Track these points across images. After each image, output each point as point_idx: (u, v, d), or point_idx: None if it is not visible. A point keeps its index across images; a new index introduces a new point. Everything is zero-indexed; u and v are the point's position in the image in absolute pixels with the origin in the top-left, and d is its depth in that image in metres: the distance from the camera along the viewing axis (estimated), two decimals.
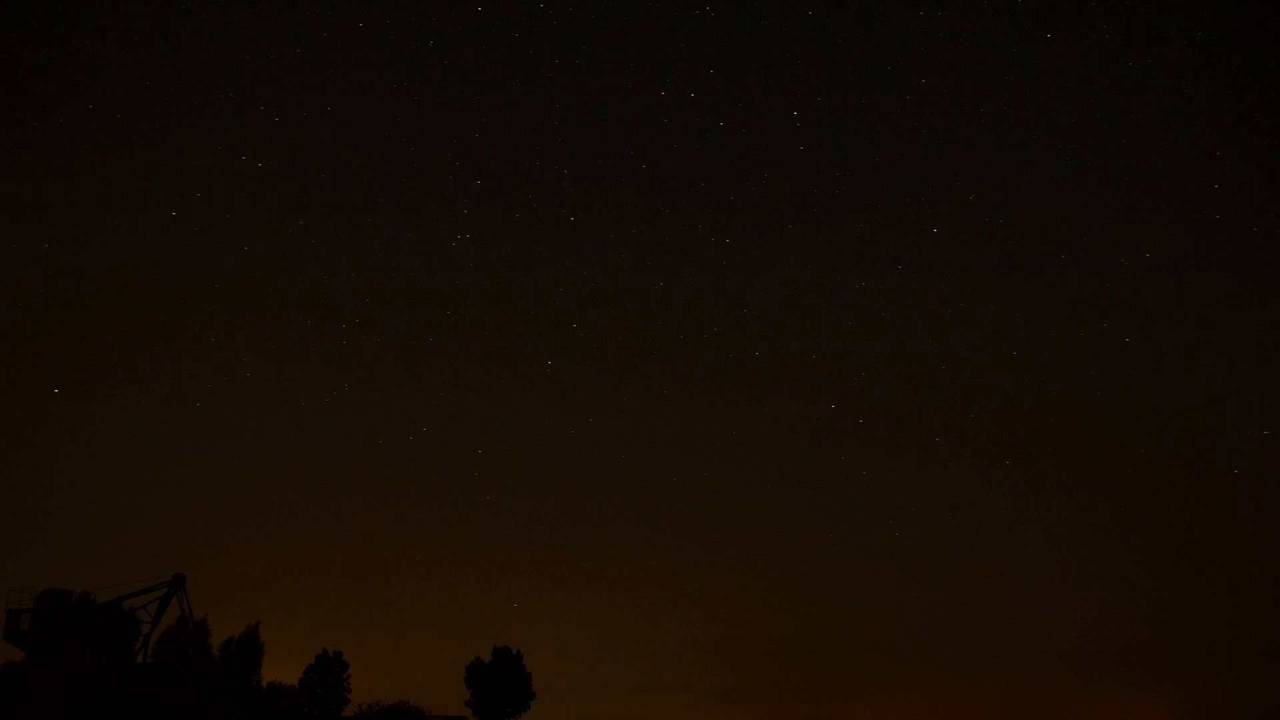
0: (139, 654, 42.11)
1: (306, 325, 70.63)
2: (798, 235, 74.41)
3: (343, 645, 51.24)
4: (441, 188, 72.22)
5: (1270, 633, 63.98)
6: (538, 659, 53.93)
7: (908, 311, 73.00)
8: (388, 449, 71.23)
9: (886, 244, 73.39)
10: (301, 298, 71.20)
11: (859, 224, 73.53)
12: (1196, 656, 65.71)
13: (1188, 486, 69.93)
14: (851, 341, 73.03)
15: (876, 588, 71.05)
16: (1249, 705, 61.35)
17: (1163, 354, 70.89)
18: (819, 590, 71.78)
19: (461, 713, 51.71)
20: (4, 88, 65.98)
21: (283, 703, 48.34)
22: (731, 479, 74.55)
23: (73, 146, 67.57)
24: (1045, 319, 72.56)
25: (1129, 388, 71.10)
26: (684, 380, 74.61)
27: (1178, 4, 67.98)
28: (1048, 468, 71.71)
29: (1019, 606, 69.69)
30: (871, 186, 73.59)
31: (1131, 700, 63.62)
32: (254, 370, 69.54)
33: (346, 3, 69.57)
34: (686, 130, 73.14)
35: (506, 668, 52.85)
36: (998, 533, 70.86)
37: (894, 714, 67.51)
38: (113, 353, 69.05)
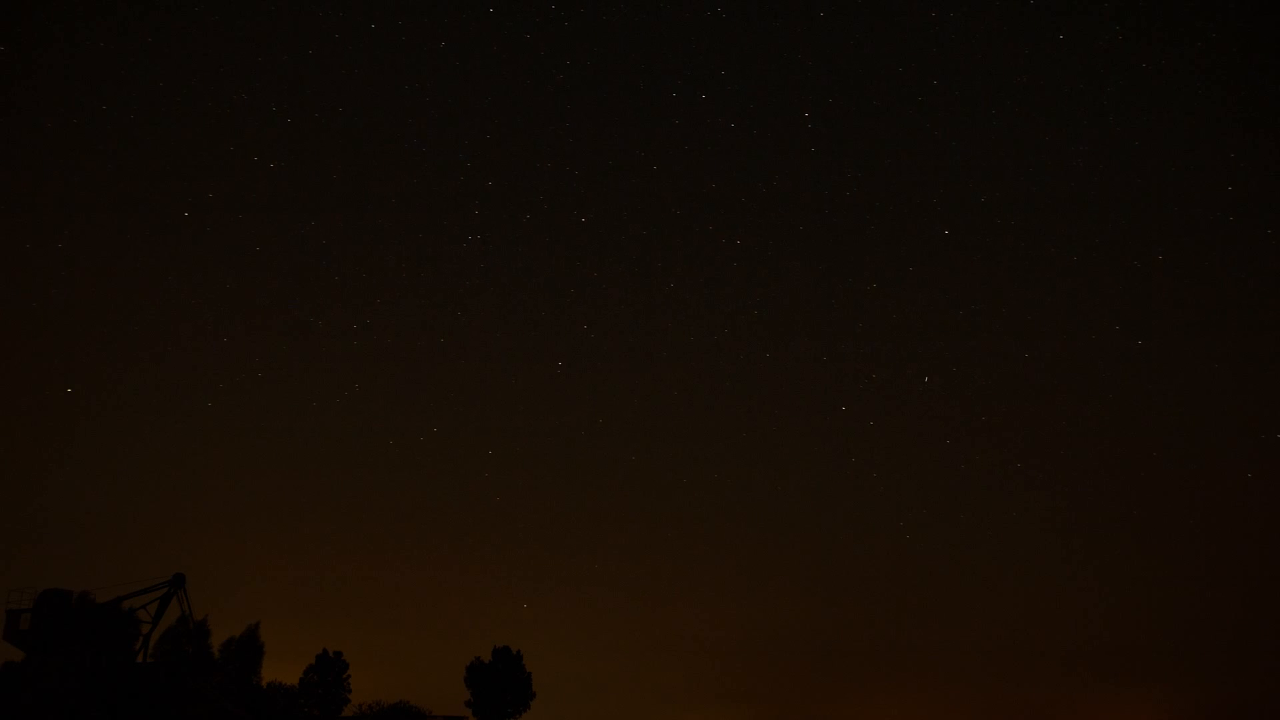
0: (139, 654, 42.19)
1: (318, 325, 70.88)
2: (809, 237, 74.37)
3: (343, 645, 51.41)
4: (452, 189, 72.29)
5: (1271, 634, 63.74)
6: (538, 659, 54.11)
7: (919, 313, 73.07)
8: (398, 449, 71.48)
9: (898, 246, 73.36)
10: (313, 298, 71.52)
11: (870, 226, 73.47)
12: (1197, 657, 65.56)
13: (1196, 488, 69.75)
14: (862, 343, 72.88)
15: (885, 589, 71.12)
16: (1249, 706, 61.21)
17: (1174, 356, 70.67)
18: (826, 592, 71.93)
19: (461, 713, 51.77)
20: (17, 88, 66.43)
21: (283, 703, 48.41)
22: (741, 480, 74.66)
23: (86, 147, 68.09)
24: (1057, 321, 72.45)
25: (1139, 390, 70.94)
26: (694, 382, 74.73)
27: (1191, 5, 67.76)
28: (1058, 470, 71.64)
29: (1022, 607, 69.74)
30: (883, 188, 73.46)
31: (1132, 701, 63.46)
32: (265, 370, 69.77)
33: (358, 4, 69.87)
34: (697, 131, 73.12)
35: (506, 668, 52.87)
36: (1007, 534, 70.77)
37: (896, 714, 67.53)
38: (125, 352, 69.42)
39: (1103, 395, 71.13)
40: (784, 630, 70.70)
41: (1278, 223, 66.62)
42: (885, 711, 67.28)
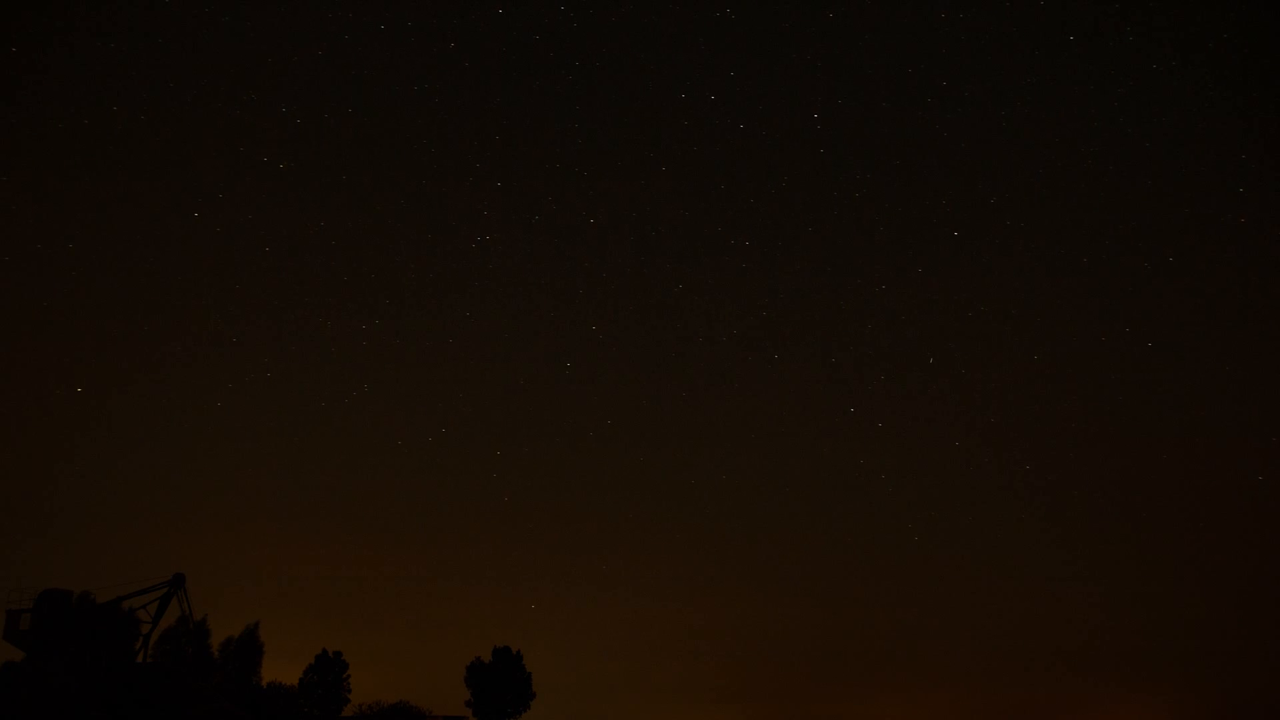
0: (139, 654, 42.35)
1: (327, 326, 70.85)
2: (818, 238, 74.23)
3: (343, 645, 51.31)
4: (461, 189, 72.26)
5: (1271, 634, 63.74)
6: (538, 659, 54.07)
7: (928, 315, 72.76)
8: (406, 449, 71.47)
9: (907, 247, 73.12)
10: (322, 298, 71.45)
11: (879, 227, 73.29)
12: (1197, 657, 65.56)
13: (1199, 488, 69.64)
14: (871, 345, 72.81)
15: (892, 590, 70.94)
16: (1249, 706, 61.20)
17: (1184, 358, 70.47)
18: (833, 593, 71.85)
19: (461, 713, 51.77)
20: (28, 88, 66.53)
21: (283, 703, 48.38)
22: (749, 482, 74.44)
23: (96, 147, 68.04)
24: (1066, 323, 72.31)
25: (1149, 391, 70.80)
26: (702, 383, 74.68)
27: (1202, 5, 67.37)
28: (1068, 471, 71.45)
29: (1024, 607, 69.68)
30: (892, 189, 73.34)
31: (1132, 701, 63.50)
32: (274, 370, 69.79)
33: (368, 5, 69.78)
34: (706, 132, 72.97)
35: (506, 668, 52.87)
36: (1014, 536, 70.66)
37: (898, 714, 67.50)
38: (134, 352, 69.46)
39: (1112, 397, 71.12)
40: (788, 631, 70.82)
41: None
42: (887, 712, 67.32)
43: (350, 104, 70.98)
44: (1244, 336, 69.15)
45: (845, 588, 71.93)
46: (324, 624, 64.14)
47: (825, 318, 74.27)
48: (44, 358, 67.68)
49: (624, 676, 66.30)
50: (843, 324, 73.58)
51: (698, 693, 66.38)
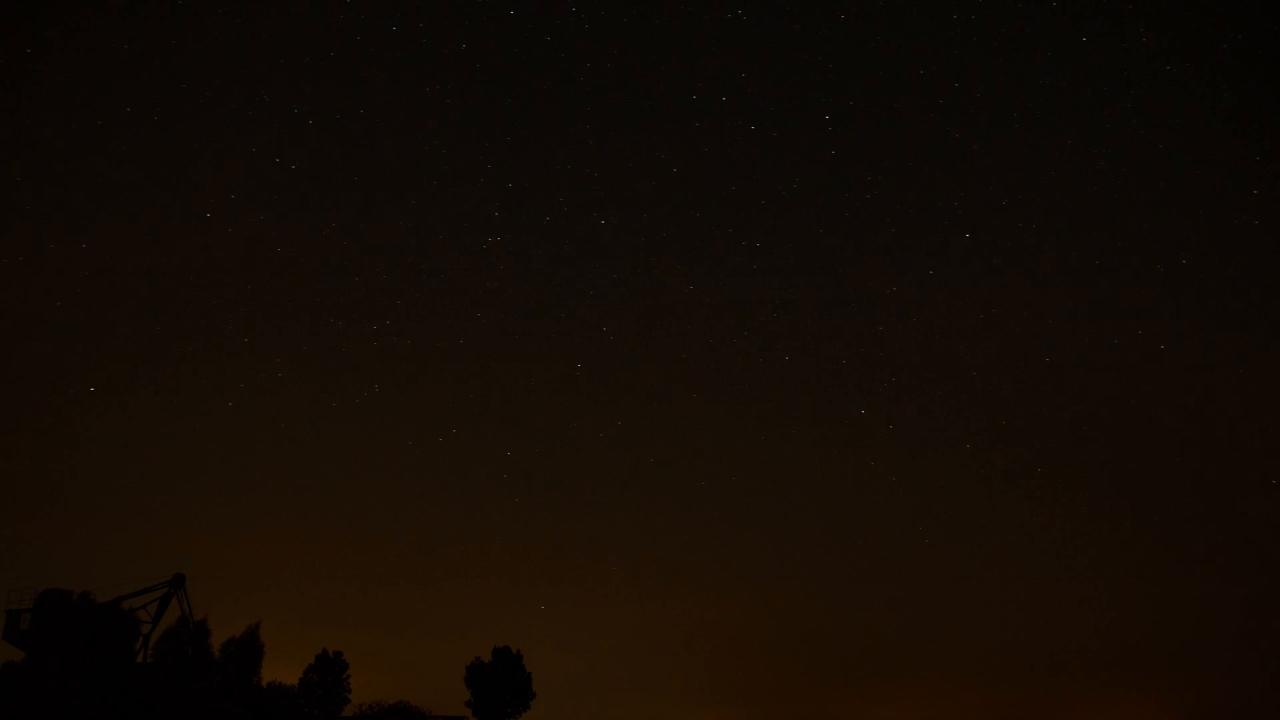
0: (139, 654, 42.30)
1: (338, 326, 70.78)
2: (829, 239, 74.11)
3: (343, 645, 51.36)
4: (472, 190, 72.23)
5: (1271, 634, 63.72)
6: (538, 659, 54.11)
7: (939, 317, 72.43)
8: (416, 450, 71.38)
9: (918, 249, 72.82)
10: (333, 299, 71.38)
11: (890, 228, 73.07)
12: (1197, 658, 65.53)
13: (1205, 490, 69.50)
14: (882, 347, 72.31)
15: (901, 593, 70.71)
16: (1249, 706, 61.20)
17: (1197, 361, 70.20)
18: (841, 595, 71.63)
19: (461, 713, 51.77)
20: (40, 90, 66.75)
21: (283, 703, 48.41)
22: (759, 483, 74.26)
23: (108, 148, 68.20)
24: (1078, 325, 72.01)
25: (1160, 394, 70.56)
26: (713, 384, 74.49)
27: (1216, 6, 67.07)
28: (1080, 474, 71.23)
29: (1026, 607, 69.61)
30: (903, 191, 73.06)
31: (1132, 701, 63.51)
32: (285, 371, 69.76)
33: (379, 6, 69.87)
34: (717, 134, 72.83)
35: (507, 668, 52.87)
36: (1025, 538, 70.37)
37: (900, 714, 67.52)
38: (146, 352, 69.41)
39: (1125, 399, 70.87)
40: (792, 632, 70.79)
41: None
42: (890, 712, 67.34)
43: (362, 105, 71.18)
44: (1254, 339, 68.95)
45: (853, 589, 71.84)
46: (324, 624, 64.26)
47: (836, 319, 74.20)
48: (56, 357, 68.02)
49: (625, 676, 66.39)
50: (853, 326, 73.39)
51: (699, 693, 66.48)
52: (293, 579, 66.16)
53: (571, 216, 72.62)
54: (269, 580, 64.85)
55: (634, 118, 74.14)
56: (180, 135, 69.08)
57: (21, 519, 61.66)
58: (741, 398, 74.48)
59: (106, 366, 67.96)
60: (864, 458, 71.86)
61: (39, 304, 66.21)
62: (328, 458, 71.81)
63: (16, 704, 38.36)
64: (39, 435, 66.95)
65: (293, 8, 69.90)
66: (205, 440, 69.14)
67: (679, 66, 73.53)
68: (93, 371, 67.55)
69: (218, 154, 69.72)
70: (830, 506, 73.84)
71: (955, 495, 71.78)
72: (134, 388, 68.43)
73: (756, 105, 72.65)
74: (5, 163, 66.37)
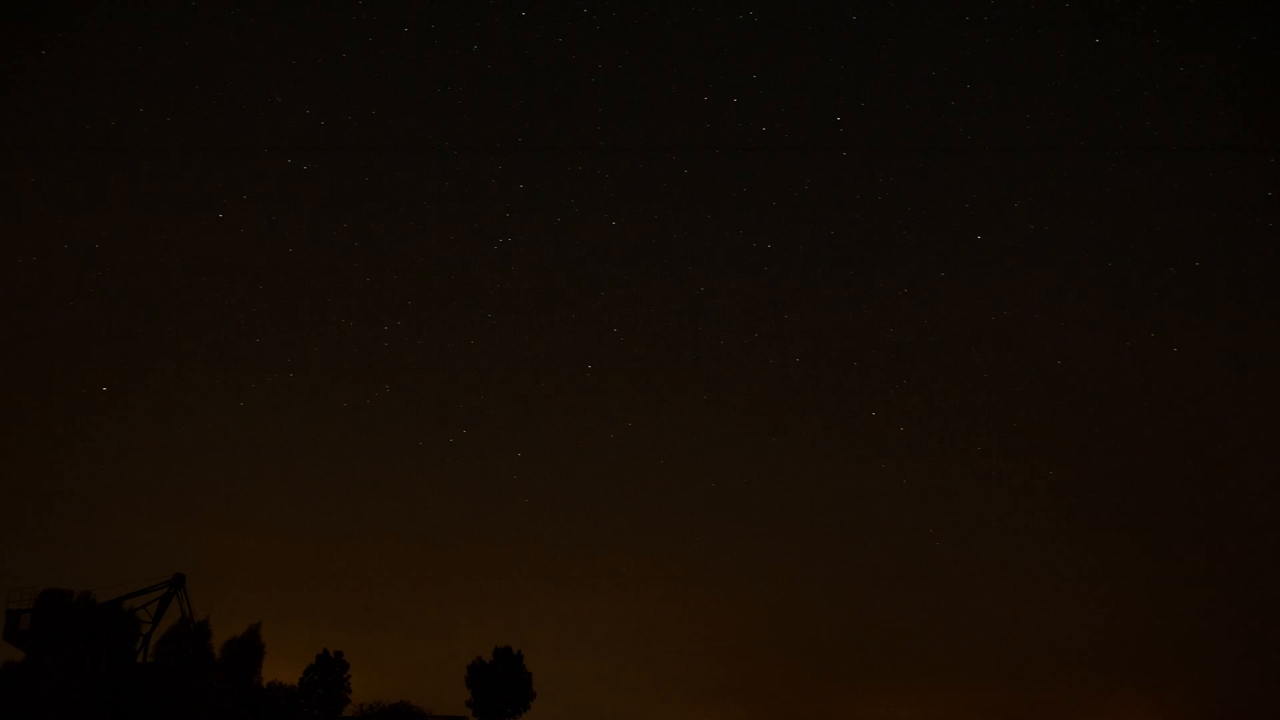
0: (139, 654, 42.25)
1: (349, 327, 70.57)
2: (840, 241, 73.70)
3: (343, 645, 51.44)
4: (484, 191, 72.01)
5: (1271, 634, 63.71)
6: (538, 659, 54.13)
7: (951, 319, 72.03)
8: (427, 450, 71.24)
9: (930, 251, 72.29)
10: (344, 300, 71.25)
11: (902, 230, 72.47)
12: (1197, 658, 65.53)
13: (1213, 493, 69.41)
14: (893, 349, 71.99)
15: (910, 594, 70.37)
16: (1249, 706, 61.18)
17: (1208, 364, 69.78)
18: (851, 597, 71.26)
19: (462, 713, 51.75)
20: (53, 90, 67.09)
21: (283, 703, 48.40)
22: (769, 485, 73.91)
23: (121, 148, 68.28)
24: (1090, 328, 71.53)
25: (1175, 397, 70.18)
26: (724, 386, 74.17)
27: (1229, 8, 66.80)
28: (1091, 477, 70.76)
29: (1028, 608, 69.56)
30: (915, 192, 72.60)
31: (1132, 701, 63.50)
32: (296, 371, 69.69)
33: (391, 7, 70.00)
34: (728, 135, 72.50)
35: (507, 668, 52.87)
36: (1037, 541, 69.87)
37: (902, 714, 67.50)
38: (157, 352, 69.34)
39: (1137, 402, 70.37)
40: (796, 633, 70.57)
41: None
42: (892, 712, 67.27)
43: (373, 106, 71.12)
44: (1264, 341, 68.45)
45: (861, 591, 71.49)
46: (324, 624, 64.22)
47: (847, 321, 74.01)
48: (67, 356, 68.16)
49: (625, 676, 66.33)
50: (865, 328, 73.12)
51: (699, 693, 66.43)
52: (293, 579, 66.28)
53: (582, 217, 72.54)
54: (269, 580, 64.95)
55: (645, 119, 74.23)
56: (193, 135, 69.47)
57: (21, 519, 61.77)
58: (752, 399, 74.36)
59: (118, 366, 68.18)
60: (874, 460, 71.54)
61: (51, 303, 66.69)
62: (337, 458, 71.85)
63: (16, 704, 38.32)
64: (40, 435, 67.12)
65: (305, 9, 70.36)
66: (215, 440, 69.31)
67: (690, 67, 73.52)
68: (104, 371, 67.77)
69: (230, 154, 69.99)
70: (839, 509, 73.69)
71: (966, 498, 71.64)
72: (144, 387, 68.65)
73: (768, 106, 72.43)
74: (18, 162, 66.82)
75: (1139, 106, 69.35)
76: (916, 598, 70.25)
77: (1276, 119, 67.07)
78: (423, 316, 71.63)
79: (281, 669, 49.97)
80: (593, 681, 63.91)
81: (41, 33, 64.68)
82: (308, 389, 70.09)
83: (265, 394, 68.62)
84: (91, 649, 40.04)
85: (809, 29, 71.78)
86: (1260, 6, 66.10)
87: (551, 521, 71.54)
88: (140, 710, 39.54)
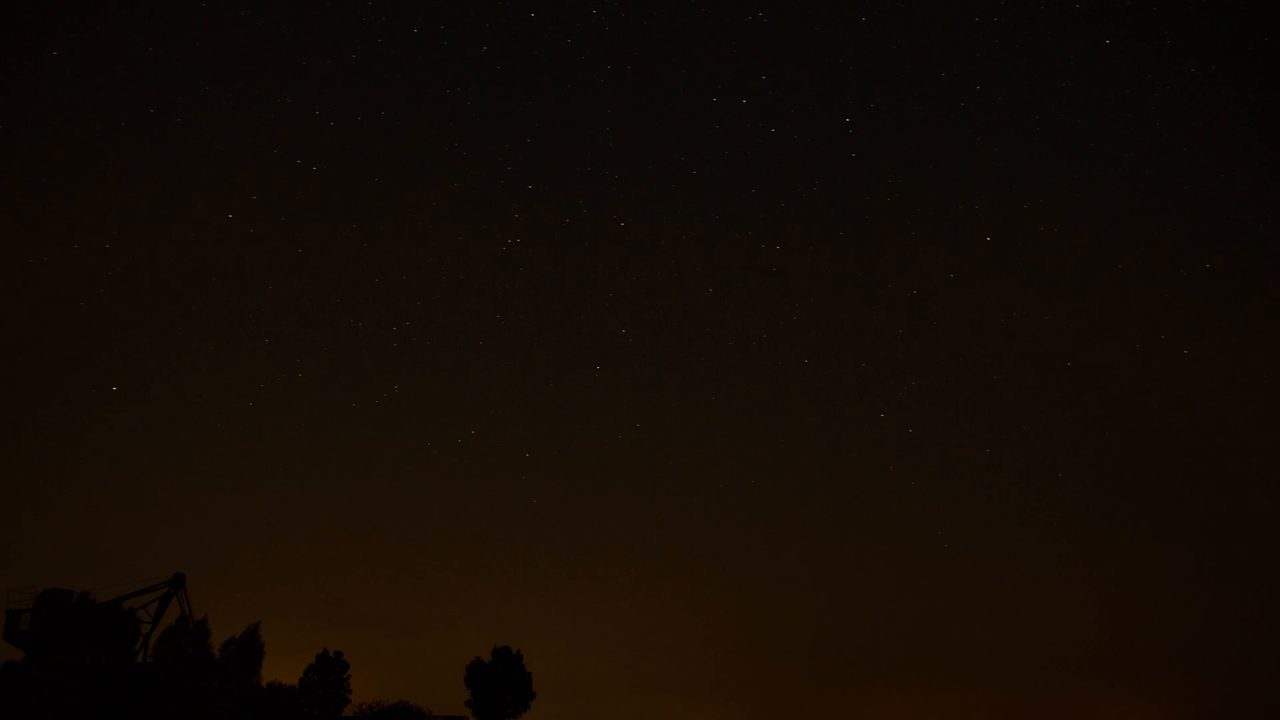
0: (139, 654, 42.27)
1: (358, 327, 71.20)
2: (849, 242, 74.02)
3: (343, 645, 51.33)
4: (493, 192, 72.47)
5: (1271, 634, 63.71)
6: (538, 659, 54.08)
7: (960, 320, 72.40)
8: (436, 451, 71.68)
9: (939, 252, 72.62)
10: (353, 300, 71.82)
11: (911, 231, 72.67)
12: (1197, 658, 65.54)
13: (1215, 493, 69.40)
14: (902, 350, 72.30)
15: (920, 597, 70.65)
16: (1249, 706, 61.20)
17: (1220, 366, 69.84)
18: (859, 599, 71.75)
19: (461, 713, 51.75)
20: (66, 93, 67.24)
21: (283, 703, 48.39)
22: (778, 486, 74.26)
23: (133, 150, 68.77)
24: (1100, 329, 71.74)
25: (1187, 400, 70.25)
26: (732, 387, 74.58)
27: (1241, 10, 66.59)
28: (1102, 480, 70.83)
29: (1028, 608, 69.65)
30: (924, 194, 72.79)
31: (1132, 701, 63.56)
32: (305, 371, 70.18)
33: (400, 9, 70.26)
34: (737, 136, 72.90)
35: (506, 668, 52.84)
36: (1045, 543, 70.27)
37: (903, 714, 67.54)
38: (168, 352, 69.79)
39: (1148, 405, 70.59)
40: (800, 634, 70.77)
41: None
42: (893, 712, 67.35)
43: (383, 107, 71.66)
44: (1272, 343, 68.52)
45: (869, 592, 71.79)
46: (324, 624, 64.30)
47: (856, 322, 74.20)
48: (78, 356, 68.49)
49: (625, 677, 66.39)
50: (874, 329, 73.30)
51: (700, 693, 66.47)
52: (293, 579, 66.35)
53: (591, 218, 72.97)
54: (269, 580, 65.04)
55: (654, 120, 74.42)
56: (203, 137, 69.76)
57: (21, 519, 61.85)
58: (760, 401, 74.64)
59: (128, 365, 68.48)
60: (883, 461, 71.94)
61: (64, 303, 66.90)
62: (345, 458, 72.25)
63: (16, 704, 38.34)
64: (41, 435, 67.22)
65: (315, 10, 70.48)
66: (223, 440, 69.65)
67: (699, 69, 73.71)
68: (113, 370, 68.06)
69: (240, 155, 70.46)
70: (849, 510, 73.90)
71: (974, 500, 71.73)
72: (153, 387, 68.94)
73: (777, 108, 72.77)
74: (30, 163, 67.09)
75: (1149, 108, 69.32)
76: (923, 599, 70.44)
77: None
78: (431, 317, 72.23)
79: (281, 669, 50.09)
80: (593, 682, 64.10)
81: (52, 34, 65.03)
82: (316, 389, 70.60)
83: (274, 394, 69.15)
84: (91, 649, 40.03)
85: (818, 30, 72.00)
86: (1272, 9, 65.84)
87: (559, 522, 71.87)
88: (140, 710, 39.52)
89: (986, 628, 69.06)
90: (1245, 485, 68.79)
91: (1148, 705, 63.35)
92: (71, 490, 65.66)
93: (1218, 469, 69.68)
